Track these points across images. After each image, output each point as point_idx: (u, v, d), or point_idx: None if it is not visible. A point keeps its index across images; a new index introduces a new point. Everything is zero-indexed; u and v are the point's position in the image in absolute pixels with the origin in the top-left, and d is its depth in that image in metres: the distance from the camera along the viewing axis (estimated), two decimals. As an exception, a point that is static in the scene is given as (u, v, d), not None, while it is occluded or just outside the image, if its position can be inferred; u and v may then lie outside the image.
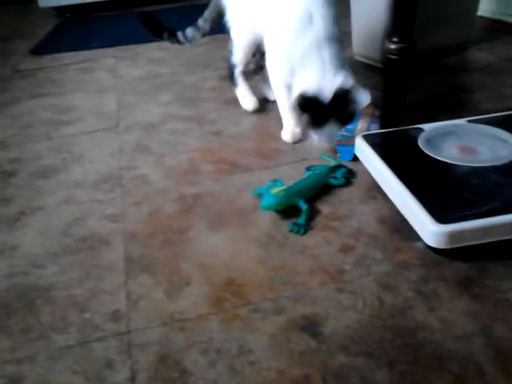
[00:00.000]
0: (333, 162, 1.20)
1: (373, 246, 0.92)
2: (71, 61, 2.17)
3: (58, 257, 0.96)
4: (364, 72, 1.79)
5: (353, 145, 1.22)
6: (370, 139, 1.14)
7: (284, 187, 1.04)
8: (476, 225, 0.84)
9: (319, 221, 1.01)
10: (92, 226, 1.05)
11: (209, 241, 0.97)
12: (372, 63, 1.85)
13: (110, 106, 1.66)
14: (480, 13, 2.03)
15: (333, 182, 1.13)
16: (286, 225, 1.00)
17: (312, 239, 0.95)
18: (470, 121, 1.19)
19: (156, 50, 2.21)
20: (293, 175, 1.14)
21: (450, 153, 1.06)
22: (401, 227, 0.96)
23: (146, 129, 1.47)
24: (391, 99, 1.21)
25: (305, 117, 1.16)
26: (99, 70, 2.03)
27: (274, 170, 1.21)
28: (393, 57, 1.14)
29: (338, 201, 1.07)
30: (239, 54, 1.48)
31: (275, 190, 1.02)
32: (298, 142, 1.33)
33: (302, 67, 1.18)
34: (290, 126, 1.34)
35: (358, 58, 1.92)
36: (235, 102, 1.57)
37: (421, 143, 1.10)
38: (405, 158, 1.06)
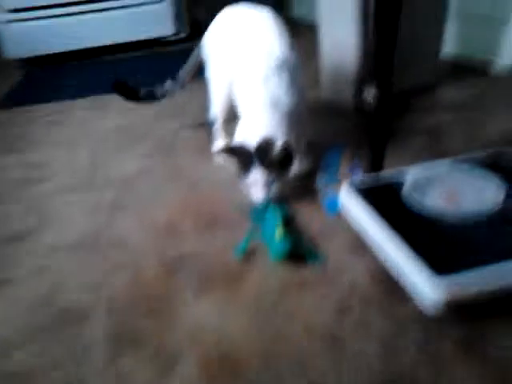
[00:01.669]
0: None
1: (367, 306, 0.89)
2: (40, 113, 2.11)
3: (32, 337, 0.89)
4: (334, 115, 1.80)
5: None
6: (355, 189, 1.12)
7: (279, 230, 1.04)
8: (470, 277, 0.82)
9: (310, 279, 0.97)
10: (69, 297, 0.98)
11: (196, 309, 0.93)
12: (342, 106, 1.85)
13: (82, 160, 1.61)
14: (445, 54, 2.09)
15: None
16: (272, 282, 0.96)
17: (303, 301, 0.92)
18: (453, 161, 1.18)
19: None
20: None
21: (440, 205, 1.04)
22: (390, 283, 0.93)
23: (121, 184, 1.43)
24: (374, 143, 1.20)
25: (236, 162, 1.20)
26: (70, 123, 1.98)
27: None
28: (370, 108, 1.14)
29: (326, 253, 1.04)
30: (219, 106, 1.48)
31: (277, 236, 1.02)
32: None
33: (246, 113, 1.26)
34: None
35: (326, 100, 1.93)
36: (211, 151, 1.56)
37: (406, 192, 1.09)
38: (394, 214, 1.03)
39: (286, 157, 1.17)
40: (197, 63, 1.60)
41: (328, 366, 0.77)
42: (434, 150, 1.46)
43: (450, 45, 2.20)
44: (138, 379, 0.78)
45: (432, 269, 0.84)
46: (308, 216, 1.18)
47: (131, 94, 1.71)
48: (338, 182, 1.27)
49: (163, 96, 1.70)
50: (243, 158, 1.19)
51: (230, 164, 1.24)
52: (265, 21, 1.35)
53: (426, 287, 0.82)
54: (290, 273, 0.99)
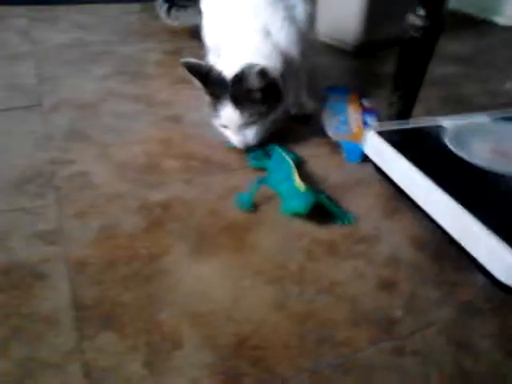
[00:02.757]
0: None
1: (420, 280, 0.69)
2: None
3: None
4: (335, 56, 1.57)
5: (358, 142, 0.99)
6: (388, 136, 0.91)
7: (297, 176, 0.81)
8: None
9: (340, 243, 0.75)
10: (17, 250, 0.71)
11: (195, 274, 0.69)
12: (342, 47, 1.62)
13: (27, 77, 1.28)
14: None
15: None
16: (296, 244, 0.74)
17: (338, 270, 0.70)
18: (493, 118, 1.00)
19: (79, 14, 1.82)
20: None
21: (490, 158, 0.85)
22: (445, 252, 0.74)
23: (80, 109, 1.13)
24: (406, 85, 0.98)
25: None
26: (8, 32, 1.61)
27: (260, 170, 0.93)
28: (416, 34, 0.91)
29: (356, 215, 0.82)
30: (209, 41, 1.18)
31: (297, 184, 0.79)
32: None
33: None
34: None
35: (325, 40, 1.68)
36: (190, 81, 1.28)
37: (450, 144, 0.89)
38: (440, 165, 0.84)
39: (269, 89, 0.92)
40: None
41: (382, 361, 0.57)
42: (457, 101, 1.27)
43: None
44: (119, 375, 0.54)
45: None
46: (321, 165, 0.96)
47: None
48: (351, 131, 1.05)
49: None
50: (215, 87, 0.93)
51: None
52: None
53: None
54: (313, 233, 0.77)
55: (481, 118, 1.00)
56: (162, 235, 0.75)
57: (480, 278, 0.69)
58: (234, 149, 0.97)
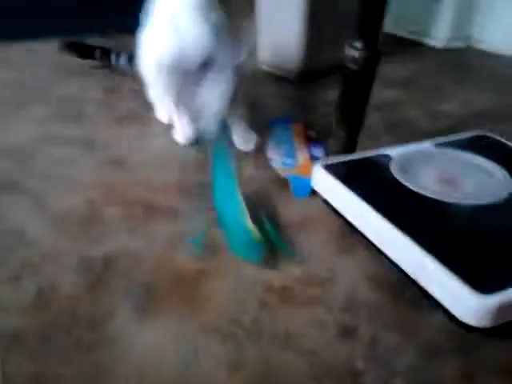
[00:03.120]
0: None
1: (380, 324, 0.67)
2: None
3: None
4: (277, 85, 1.56)
5: (306, 176, 0.97)
6: (334, 170, 0.90)
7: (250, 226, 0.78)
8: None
9: (293, 287, 0.73)
10: None
11: (145, 339, 0.64)
12: (284, 74, 1.62)
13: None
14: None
15: None
16: (249, 293, 0.70)
17: (294, 320, 0.67)
18: (436, 145, 1.01)
19: (11, 51, 1.74)
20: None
21: (437, 188, 0.85)
22: (403, 291, 0.72)
23: (12, 156, 1.06)
24: (349, 116, 0.97)
25: None
26: None
27: (210, 213, 0.90)
28: (355, 67, 0.91)
29: (308, 255, 0.80)
30: None
31: (254, 235, 0.77)
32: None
33: None
34: (181, 125, 1.15)
35: (266, 68, 1.68)
36: (132, 119, 1.24)
37: (397, 175, 0.88)
38: (389, 198, 0.84)
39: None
40: None
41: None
42: (400, 126, 1.28)
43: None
44: None
45: (478, 280, 0.64)
46: (270, 202, 0.94)
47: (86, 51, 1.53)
48: (298, 165, 1.04)
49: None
50: None
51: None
52: None
53: (473, 303, 0.62)
54: (265, 279, 0.74)
55: (424, 145, 1.01)
56: (104, 295, 0.70)
57: (440, 317, 0.67)
58: (179, 192, 0.93)
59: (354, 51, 0.91)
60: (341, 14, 1.55)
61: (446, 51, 2.00)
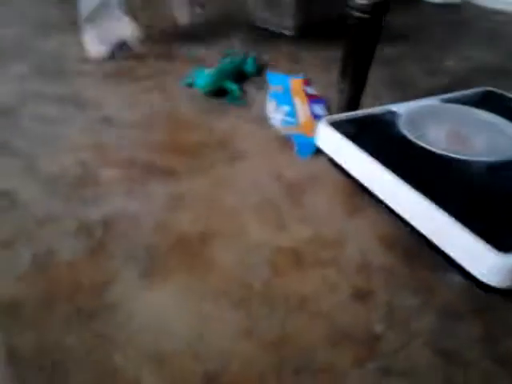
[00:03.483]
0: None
1: (395, 287, 0.64)
2: None
3: None
4: (271, 40, 1.49)
5: (309, 134, 0.93)
6: (341, 127, 0.86)
7: (213, 68, 1.11)
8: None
9: (304, 250, 0.69)
10: None
11: (149, 304, 0.60)
12: (278, 30, 1.55)
13: None
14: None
15: (248, 69, 1.22)
16: (256, 255, 0.67)
17: (307, 283, 0.64)
18: (443, 101, 0.97)
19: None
20: (239, 179, 0.82)
21: (448, 144, 0.82)
22: (417, 251, 0.69)
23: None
24: (355, 69, 0.93)
25: None
26: None
27: (210, 173, 0.86)
28: (362, 15, 0.86)
29: (317, 216, 0.76)
30: None
31: (207, 71, 1.09)
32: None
33: None
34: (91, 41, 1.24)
35: (260, 24, 1.61)
36: (119, 74, 1.18)
37: (406, 132, 0.85)
38: (400, 155, 0.80)
39: None
40: None
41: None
42: (401, 83, 1.24)
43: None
44: None
45: (498, 238, 0.61)
46: (272, 162, 0.89)
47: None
48: (300, 123, 0.99)
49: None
50: None
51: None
52: None
53: (492, 262, 0.60)
54: (272, 240, 0.71)
55: (431, 101, 0.97)
56: (105, 260, 0.66)
57: (457, 278, 0.65)
58: (178, 150, 0.89)
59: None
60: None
61: (443, 7, 1.93)
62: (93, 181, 0.81)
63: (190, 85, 1.14)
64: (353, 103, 0.95)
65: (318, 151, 0.89)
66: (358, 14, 0.86)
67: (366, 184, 0.79)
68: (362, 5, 0.85)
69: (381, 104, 0.95)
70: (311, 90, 1.15)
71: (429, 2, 1.97)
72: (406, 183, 0.71)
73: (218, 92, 1.10)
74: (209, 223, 0.73)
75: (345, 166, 0.83)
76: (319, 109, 1.06)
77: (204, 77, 1.09)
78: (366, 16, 0.86)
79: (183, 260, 0.66)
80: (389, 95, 1.14)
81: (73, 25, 1.45)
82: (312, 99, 1.10)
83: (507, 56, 1.47)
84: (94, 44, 1.23)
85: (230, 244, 0.70)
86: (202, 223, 0.73)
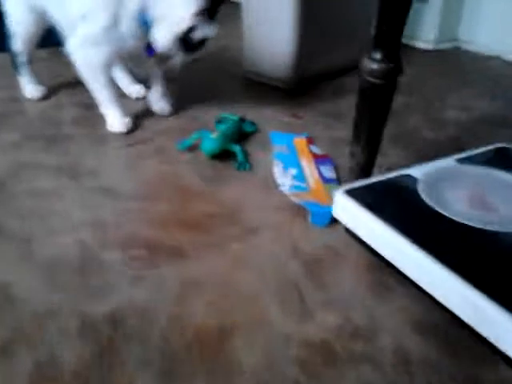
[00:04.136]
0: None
1: (439, 382, 0.58)
2: None
3: None
4: (268, 95, 1.46)
5: (322, 202, 0.88)
6: (358, 196, 0.81)
7: (218, 132, 1.08)
8: None
9: (334, 342, 0.63)
10: None
11: None
12: (271, 83, 1.53)
13: None
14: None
15: (247, 129, 1.21)
16: (284, 352, 0.60)
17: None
18: (459, 161, 0.93)
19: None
20: (253, 256, 0.76)
21: (472, 211, 0.78)
22: (457, 338, 0.64)
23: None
24: (368, 134, 0.89)
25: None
26: None
27: (221, 251, 0.80)
28: (376, 81, 0.83)
29: (342, 299, 0.71)
30: (19, 42, 1.30)
31: (213, 135, 1.06)
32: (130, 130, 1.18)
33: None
34: (116, 116, 1.18)
35: (250, 75, 1.58)
36: (115, 136, 1.13)
37: (427, 199, 0.80)
38: (425, 226, 0.75)
39: None
40: None
41: None
42: (407, 137, 1.21)
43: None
44: None
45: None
46: (285, 234, 0.84)
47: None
48: (310, 188, 0.95)
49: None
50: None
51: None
52: None
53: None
54: (299, 331, 0.64)
55: (447, 162, 0.93)
56: (116, 366, 0.59)
57: (504, 370, 0.59)
58: (184, 224, 0.83)
59: (372, 63, 0.83)
60: (332, 20, 1.47)
61: (434, 53, 1.95)
62: (94, 265, 0.75)
63: (189, 147, 1.10)
64: (366, 168, 0.91)
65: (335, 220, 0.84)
66: (371, 79, 0.82)
67: (389, 258, 0.73)
68: (375, 70, 0.82)
69: (386, 162, 0.91)
70: (316, 150, 1.11)
71: (419, 49, 1.98)
72: (432, 257, 0.66)
73: (220, 154, 1.05)
74: (227, 312, 0.67)
75: (364, 237, 0.78)
76: (327, 171, 1.02)
77: (210, 141, 1.05)
78: (379, 82, 0.82)
79: (202, 362, 0.60)
80: (396, 153, 1.11)
81: (63, 85, 1.41)
82: (318, 159, 1.06)
83: (507, 105, 1.46)
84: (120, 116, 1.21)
85: (252, 339, 0.63)
86: (220, 313, 0.67)
